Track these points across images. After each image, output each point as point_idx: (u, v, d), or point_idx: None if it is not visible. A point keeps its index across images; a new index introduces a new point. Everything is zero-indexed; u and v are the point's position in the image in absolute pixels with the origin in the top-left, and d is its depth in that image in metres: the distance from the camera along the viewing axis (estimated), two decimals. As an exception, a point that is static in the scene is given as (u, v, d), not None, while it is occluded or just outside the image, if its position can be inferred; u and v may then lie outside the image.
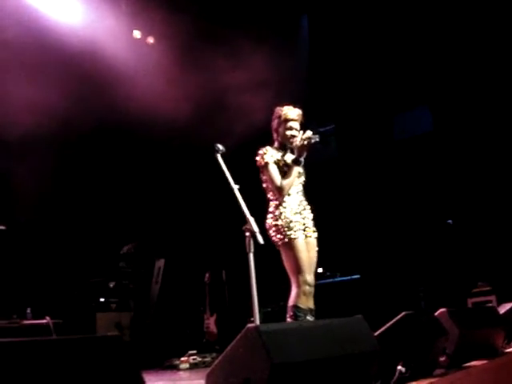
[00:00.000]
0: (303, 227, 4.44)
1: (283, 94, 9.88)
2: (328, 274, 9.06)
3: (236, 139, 7.01)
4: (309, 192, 4.83)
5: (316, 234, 4.57)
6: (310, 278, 4.31)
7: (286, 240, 4.32)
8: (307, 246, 4.43)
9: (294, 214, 4.41)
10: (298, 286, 4.26)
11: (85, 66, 8.41)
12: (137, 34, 9.18)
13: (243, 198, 4.09)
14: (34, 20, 8.02)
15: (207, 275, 9.29)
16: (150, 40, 9.34)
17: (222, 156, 4.24)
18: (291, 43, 10.72)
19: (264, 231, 4.28)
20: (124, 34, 8.77)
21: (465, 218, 8.78)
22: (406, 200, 9.39)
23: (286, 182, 4.43)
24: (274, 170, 4.46)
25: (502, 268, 7.95)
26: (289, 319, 4.21)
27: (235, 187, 4.17)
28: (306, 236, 4.44)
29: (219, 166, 4.20)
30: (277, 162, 4.50)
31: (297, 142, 4.50)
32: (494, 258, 8.13)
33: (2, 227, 6.76)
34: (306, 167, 4.69)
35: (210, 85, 8.78)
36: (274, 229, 4.41)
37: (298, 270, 4.27)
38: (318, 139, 4.46)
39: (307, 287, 4.27)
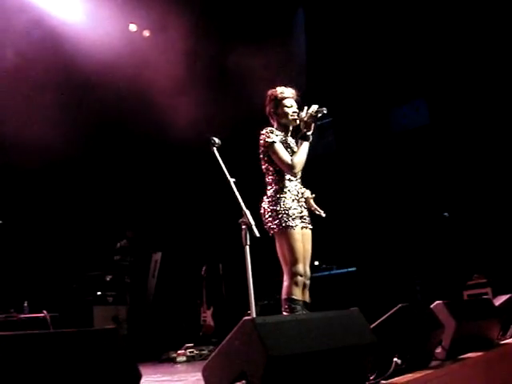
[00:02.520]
0: (300, 215, 4.28)
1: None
2: (324, 266, 9.08)
3: (233, 133, 7.03)
4: (306, 185, 4.81)
5: (311, 226, 4.41)
6: (303, 268, 4.16)
7: (283, 227, 4.15)
8: (303, 236, 4.26)
9: (293, 201, 4.26)
10: (291, 277, 4.11)
11: (79, 59, 8.40)
12: (133, 27, 9.15)
13: (239, 191, 4.08)
14: (28, 13, 8.00)
15: (204, 268, 9.30)
16: (146, 33, 9.32)
17: (218, 149, 4.23)
18: (287, 37, 10.70)
19: (260, 224, 4.19)
20: (120, 28, 8.76)
21: (461, 211, 8.80)
22: (402, 193, 9.40)
23: (297, 160, 4.24)
24: (281, 149, 4.25)
25: (498, 260, 7.98)
26: (284, 313, 4.06)
27: (231, 180, 4.16)
28: (302, 227, 4.27)
29: (215, 160, 4.19)
30: (281, 143, 4.32)
31: (302, 115, 4.37)
32: (490, 251, 8.16)
33: (-1, 221, 6.76)
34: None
35: (206, 78, 8.79)
36: (270, 214, 4.22)
37: (293, 259, 4.12)
38: (325, 111, 4.34)
39: (300, 278, 4.10)
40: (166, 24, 8.56)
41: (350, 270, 9.00)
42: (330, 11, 10.18)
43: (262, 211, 4.32)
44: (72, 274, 8.75)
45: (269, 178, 4.38)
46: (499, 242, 8.16)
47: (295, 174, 4.29)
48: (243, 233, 3.94)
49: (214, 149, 4.19)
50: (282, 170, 4.29)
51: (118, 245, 9.55)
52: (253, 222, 3.89)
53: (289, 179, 4.31)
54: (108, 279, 8.98)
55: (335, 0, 10.02)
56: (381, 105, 10.08)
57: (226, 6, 9.37)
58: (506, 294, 4.89)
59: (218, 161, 4.17)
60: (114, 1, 8.48)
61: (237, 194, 4.08)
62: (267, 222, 4.26)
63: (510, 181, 8.29)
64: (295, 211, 4.23)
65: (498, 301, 4.72)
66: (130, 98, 8.69)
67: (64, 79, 8.22)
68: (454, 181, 8.96)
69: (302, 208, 4.35)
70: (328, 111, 4.41)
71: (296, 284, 4.11)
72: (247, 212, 3.96)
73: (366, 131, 10.13)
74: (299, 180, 4.44)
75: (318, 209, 4.56)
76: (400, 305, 3.21)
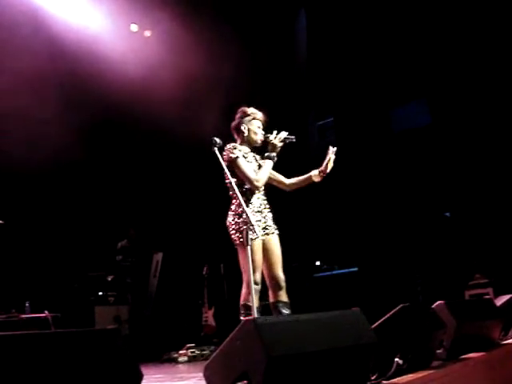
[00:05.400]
0: (264, 225, 4.46)
1: (281, 88, 9.93)
2: (326, 266, 9.08)
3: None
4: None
5: (278, 231, 4.57)
6: (258, 277, 4.31)
7: (243, 240, 4.27)
8: (269, 244, 4.47)
9: (255, 213, 4.43)
10: (247, 285, 4.26)
11: (83, 59, 8.42)
12: (134, 27, 9.17)
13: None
14: (30, 12, 8.02)
15: (205, 268, 9.29)
16: (147, 33, 9.34)
17: (219, 150, 4.24)
18: (289, 38, 10.72)
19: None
20: (121, 28, 8.78)
21: (462, 211, 8.80)
22: (403, 193, 9.40)
23: (261, 175, 4.46)
24: (245, 164, 4.45)
25: (499, 260, 7.97)
26: (241, 317, 4.20)
27: (232, 180, 4.19)
28: (267, 234, 4.47)
29: (217, 160, 4.21)
30: (245, 157, 4.53)
31: (271, 138, 4.57)
32: (491, 251, 8.15)
33: (0, 222, 6.76)
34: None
35: (206, 77, 8.80)
36: (234, 227, 4.39)
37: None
38: (294, 140, 4.60)
39: (255, 286, 4.22)
40: (169, 24, 8.58)
41: (351, 270, 9.00)
42: (331, 12, 10.19)
43: (227, 224, 4.48)
44: (73, 274, 8.77)
45: (231, 192, 4.51)
46: (501, 242, 8.15)
47: (258, 188, 4.46)
48: (244, 233, 3.98)
49: (216, 149, 4.22)
50: (243, 184, 4.43)
51: (119, 245, 9.56)
52: (254, 222, 3.95)
53: (250, 193, 4.46)
54: (109, 279, 9.00)
55: (336, 1, 10.03)
56: (382, 104, 10.07)
57: (229, 7, 9.39)
58: (508, 294, 4.89)
59: (220, 161, 4.19)
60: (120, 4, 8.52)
61: (238, 193, 4.11)
62: (231, 235, 4.44)
63: (511, 180, 8.28)
64: (257, 223, 4.36)
65: (500, 301, 4.72)
66: (134, 99, 8.70)
67: (68, 81, 8.25)
68: (456, 181, 8.95)
69: (266, 218, 4.52)
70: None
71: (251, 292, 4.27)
72: (248, 212, 3.99)
73: (368, 131, 10.12)
74: (262, 192, 4.58)
75: (327, 163, 4.67)
76: (401, 305, 3.21)
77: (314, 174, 4.69)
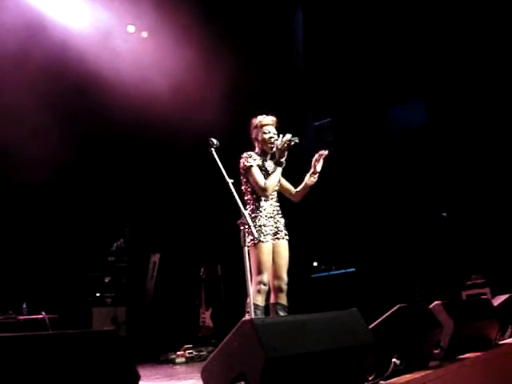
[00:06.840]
0: (275, 230, 4.64)
1: (278, 88, 9.94)
2: (323, 267, 9.08)
3: (230, 132, 7.02)
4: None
5: (287, 237, 4.73)
6: (266, 278, 4.50)
7: (255, 242, 4.48)
8: (278, 248, 4.64)
9: (268, 219, 4.62)
10: (256, 285, 4.46)
11: (78, 61, 8.41)
12: (131, 28, 9.17)
13: (237, 192, 4.11)
14: (28, 15, 8.01)
15: (202, 269, 9.30)
16: (144, 34, 9.33)
17: (217, 150, 4.25)
18: (286, 37, 10.72)
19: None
20: (118, 30, 8.78)
21: (459, 211, 8.80)
22: (400, 193, 9.40)
23: (269, 183, 4.62)
24: (257, 172, 4.62)
25: (496, 260, 7.98)
26: (247, 315, 4.29)
27: (229, 181, 4.19)
28: (277, 239, 4.64)
29: (214, 161, 4.21)
30: (259, 167, 4.68)
31: (277, 143, 4.70)
32: (488, 251, 8.16)
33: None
34: (286, 172, 4.79)
35: (203, 78, 8.80)
36: (246, 230, 4.43)
37: (258, 270, 4.47)
38: (297, 141, 4.64)
39: (263, 286, 4.46)
40: (166, 26, 8.58)
41: (348, 270, 9.00)
42: (327, 12, 10.20)
43: (241, 227, 4.48)
44: (71, 276, 8.75)
45: (246, 198, 4.72)
46: (498, 242, 8.15)
47: (267, 195, 4.66)
48: (241, 234, 4.00)
49: (213, 150, 4.23)
50: (256, 191, 4.66)
51: (115, 245, 9.55)
52: (251, 223, 3.97)
53: (264, 199, 4.67)
54: (107, 280, 8.99)
55: (333, 0, 10.03)
56: (379, 105, 10.08)
57: (226, 6, 9.40)
58: (505, 293, 4.90)
59: (217, 162, 4.20)
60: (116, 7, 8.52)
61: (235, 194, 4.11)
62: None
63: (508, 180, 8.29)
64: (268, 228, 4.60)
65: (497, 301, 4.73)
66: (130, 100, 8.70)
67: (66, 85, 8.25)
68: (453, 181, 8.96)
69: (278, 223, 4.72)
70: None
71: (259, 291, 4.46)
72: (245, 213, 4.01)
73: (365, 131, 10.12)
74: (275, 199, 4.77)
75: (315, 164, 4.79)
76: (399, 305, 3.22)
77: (307, 178, 4.82)
